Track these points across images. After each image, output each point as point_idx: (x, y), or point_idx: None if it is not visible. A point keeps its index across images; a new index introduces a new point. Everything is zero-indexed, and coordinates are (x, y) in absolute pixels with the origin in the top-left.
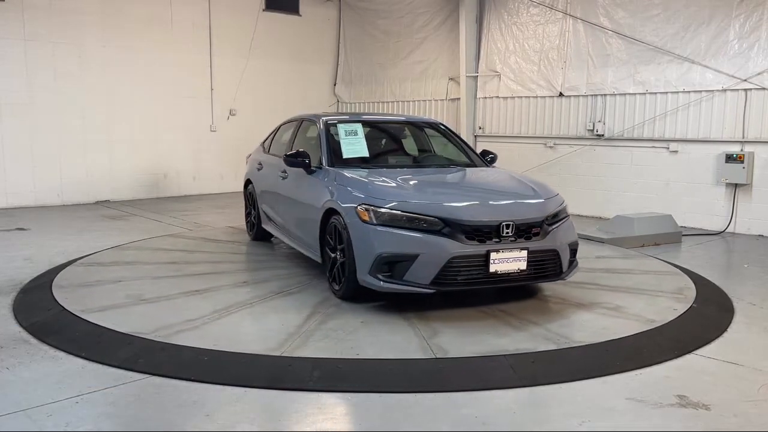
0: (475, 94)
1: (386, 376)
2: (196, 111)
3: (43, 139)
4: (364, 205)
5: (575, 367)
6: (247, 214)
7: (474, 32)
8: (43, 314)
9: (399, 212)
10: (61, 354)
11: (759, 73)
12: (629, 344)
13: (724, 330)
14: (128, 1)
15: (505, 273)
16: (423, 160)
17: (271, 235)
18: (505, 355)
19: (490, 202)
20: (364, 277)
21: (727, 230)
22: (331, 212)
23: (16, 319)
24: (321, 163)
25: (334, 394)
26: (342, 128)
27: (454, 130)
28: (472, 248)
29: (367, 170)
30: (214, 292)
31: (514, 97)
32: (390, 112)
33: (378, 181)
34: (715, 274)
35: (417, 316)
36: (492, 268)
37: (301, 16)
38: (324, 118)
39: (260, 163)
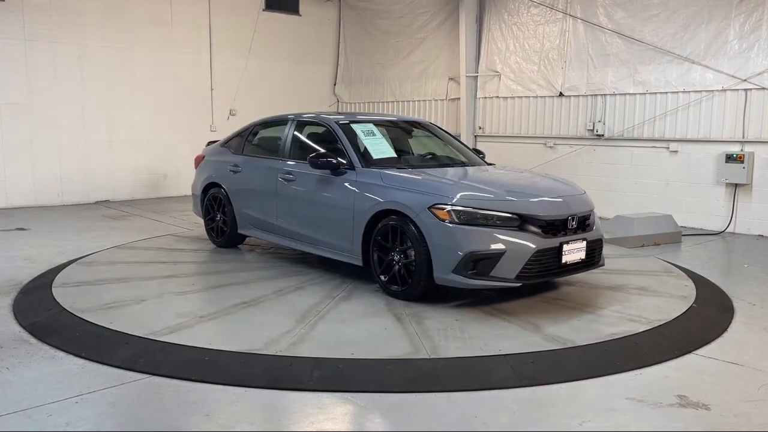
0: (475, 94)
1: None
2: (196, 111)
3: (43, 139)
4: (441, 205)
5: (575, 367)
6: (210, 220)
7: (474, 32)
8: (43, 314)
9: (478, 210)
10: (61, 354)
11: (759, 73)
12: (629, 344)
13: (724, 330)
14: (128, 1)
15: (571, 263)
16: (438, 159)
17: (241, 242)
18: (505, 355)
19: (557, 198)
20: (446, 276)
21: (727, 230)
22: (384, 213)
23: (16, 319)
24: (350, 165)
25: (334, 394)
26: (358, 128)
27: (455, 130)
28: (550, 241)
29: (404, 170)
30: (266, 303)
31: (514, 97)
32: (390, 112)
33: (438, 180)
34: (715, 274)
35: (496, 310)
36: (563, 259)
37: (301, 16)
38: (333, 118)
39: (236, 165)
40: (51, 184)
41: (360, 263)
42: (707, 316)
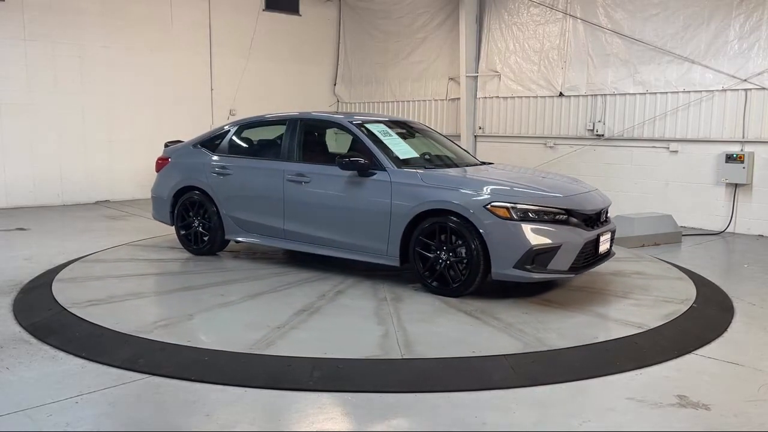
0: (475, 94)
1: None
2: (196, 111)
3: (43, 139)
4: (498, 203)
5: (575, 367)
6: (185, 227)
7: (474, 32)
8: (43, 314)
9: (534, 206)
10: (61, 354)
11: (759, 73)
12: (629, 344)
13: (724, 330)
14: (128, 1)
15: (602, 253)
16: (450, 159)
17: (222, 248)
18: (505, 355)
19: (590, 194)
20: (507, 271)
21: (727, 230)
22: (428, 214)
23: (16, 319)
24: (379, 166)
25: (334, 394)
26: (374, 129)
27: (455, 130)
28: (591, 234)
29: (434, 169)
30: (326, 309)
31: (514, 97)
32: (390, 112)
33: (487, 179)
34: (715, 274)
35: (546, 300)
36: (599, 249)
37: (301, 16)
38: (347, 118)
39: (223, 167)
40: (51, 184)
41: (397, 264)
42: (707, 316)
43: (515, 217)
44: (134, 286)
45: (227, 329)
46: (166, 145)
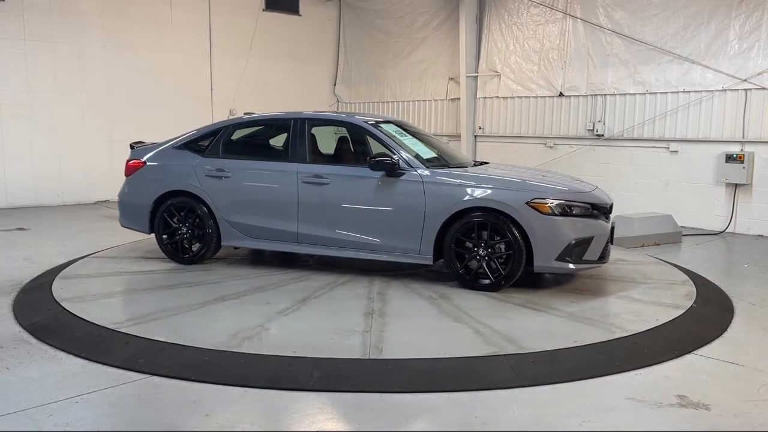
0: (475, 94)
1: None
2: (196, 111)
3: (43, 140)
4: (539, 200)
5: (575, 367)
6: (170, 234)
7: (474, 32)
8: (43, 314)
9: (569, 202)
10: (61, 354)
11: (759, 73)
12: (629, 344)
13: (724, 330)
14: (128, 1)
15: (611, 243)
16: (445, 159)
17: (213, 256)
18: (504, 355)
19: (600, 190)
20: (549, 264)
21: (727, 230)
22: (465, 212)
23: (16, 319)
24: (407, 166)
25: (334, 394)
26: (390, 129)
27: (455, 131)
28: (609, 225)
29: (460, 169)
30: (387, 311)
31: (514, 97)
32: (390, 112)
33: (522, 177)
34: (715, 274)
35: (574, 289)
36: (613, 240)
37: (301, 16)
38: (363, 119)
39: (220, 170)
40: (51, 184)
41: (430, 262)
42: (707, 316)
43: (555, 212)
44: (163, 299)
45: (318, 337)
46: (131, 147)
